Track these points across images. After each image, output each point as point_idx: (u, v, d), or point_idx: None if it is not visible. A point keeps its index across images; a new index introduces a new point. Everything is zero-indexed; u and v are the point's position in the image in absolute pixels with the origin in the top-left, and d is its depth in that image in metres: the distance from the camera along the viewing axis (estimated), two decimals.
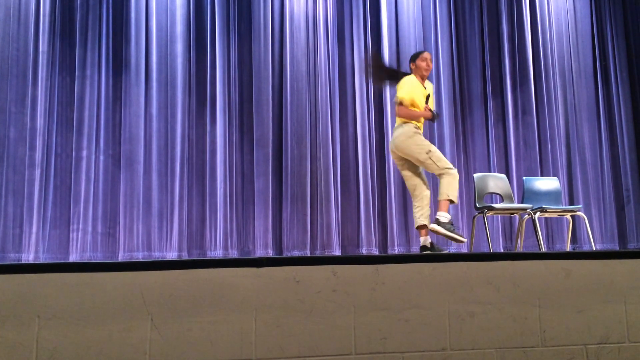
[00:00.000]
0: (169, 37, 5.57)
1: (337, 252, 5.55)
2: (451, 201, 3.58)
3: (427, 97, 3.84)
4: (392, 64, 3.89)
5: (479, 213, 4.59)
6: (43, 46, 5.19)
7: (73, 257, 5.02)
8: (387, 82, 4.15)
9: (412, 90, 3.75)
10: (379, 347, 1.88)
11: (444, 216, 3.54)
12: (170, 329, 1.79)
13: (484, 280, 1.99)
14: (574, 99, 6.32)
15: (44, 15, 5.24)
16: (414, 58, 3.92)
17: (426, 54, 3.91)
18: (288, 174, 5.59)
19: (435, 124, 6.03)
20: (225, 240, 5.39)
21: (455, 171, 3.63)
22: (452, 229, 3.51)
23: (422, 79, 3.88)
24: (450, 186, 3.58)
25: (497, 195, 4.85)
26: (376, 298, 1.92)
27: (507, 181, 4.88)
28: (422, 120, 3.83)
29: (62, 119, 5.24)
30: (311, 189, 5.61)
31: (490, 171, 5.95)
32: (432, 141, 5.96)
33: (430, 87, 3.96)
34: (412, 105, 3.72)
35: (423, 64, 3.85)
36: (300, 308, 1.87)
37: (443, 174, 3.60)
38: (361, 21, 6.03)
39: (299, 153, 5.64)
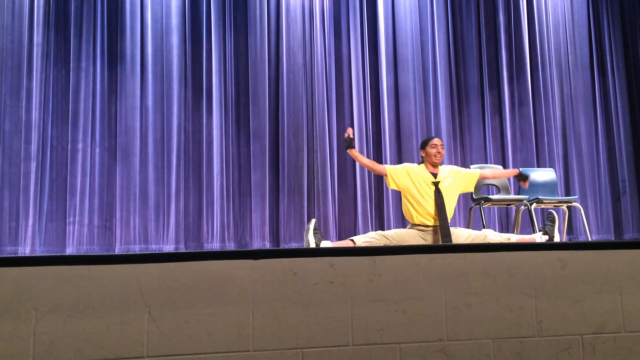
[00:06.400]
0: (164, 29, 5.53)
1: None
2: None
3: (437, 184, 3.73)
4: None
5: (475, 204, 4.61)
6: (37, 38, 5.15)
7: (69, 250, 5.01)
8: None
9: (402, 173, 3.78)
10: (376, 338, 1.89)
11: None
12: (168, 321, 1.79)
13: (481, 271, 1.99)
14: (571, 91, 6.31)
15: (38, 7, 5.19)
16: (424, 145, 3.87)
17: (436, 140, 3.83)
18: (285, 166, 5.58)
19: (432, 116, 6.02)
20: (222, 232, 5.39)
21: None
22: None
23: (434, 166, 3.82)
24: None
25: (494, 187, 4.86)
26: (373, 289, 1.92)
27: None
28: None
29: (58, 112, 5.21)
30: (308, 181, 5.61)
31: (486, 162, 5.96)
32: (428, 133, 5.97)
33: (448, 172, 3.84)
34: (408, 193, 3.74)
35: (433, 151, 3.79)
36: (297, 300, 1.87)
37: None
38: (357, 13, 6.01)
39: (296, 145, 5.63)
